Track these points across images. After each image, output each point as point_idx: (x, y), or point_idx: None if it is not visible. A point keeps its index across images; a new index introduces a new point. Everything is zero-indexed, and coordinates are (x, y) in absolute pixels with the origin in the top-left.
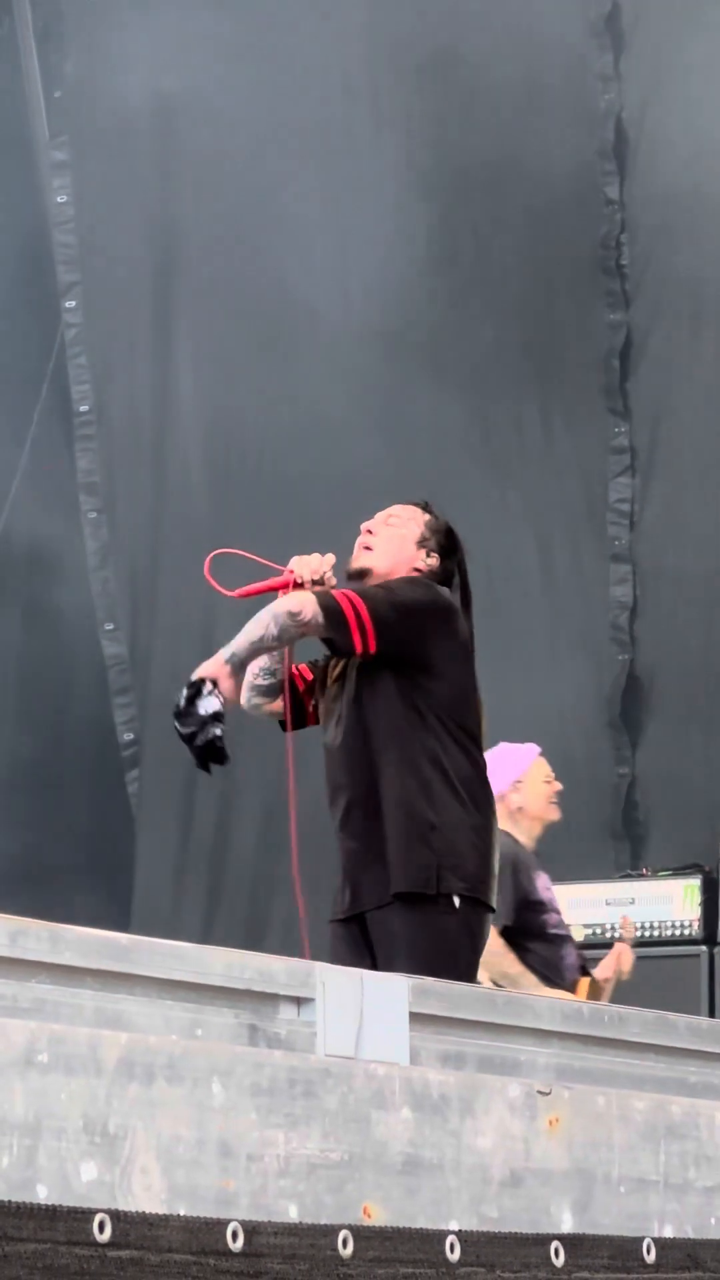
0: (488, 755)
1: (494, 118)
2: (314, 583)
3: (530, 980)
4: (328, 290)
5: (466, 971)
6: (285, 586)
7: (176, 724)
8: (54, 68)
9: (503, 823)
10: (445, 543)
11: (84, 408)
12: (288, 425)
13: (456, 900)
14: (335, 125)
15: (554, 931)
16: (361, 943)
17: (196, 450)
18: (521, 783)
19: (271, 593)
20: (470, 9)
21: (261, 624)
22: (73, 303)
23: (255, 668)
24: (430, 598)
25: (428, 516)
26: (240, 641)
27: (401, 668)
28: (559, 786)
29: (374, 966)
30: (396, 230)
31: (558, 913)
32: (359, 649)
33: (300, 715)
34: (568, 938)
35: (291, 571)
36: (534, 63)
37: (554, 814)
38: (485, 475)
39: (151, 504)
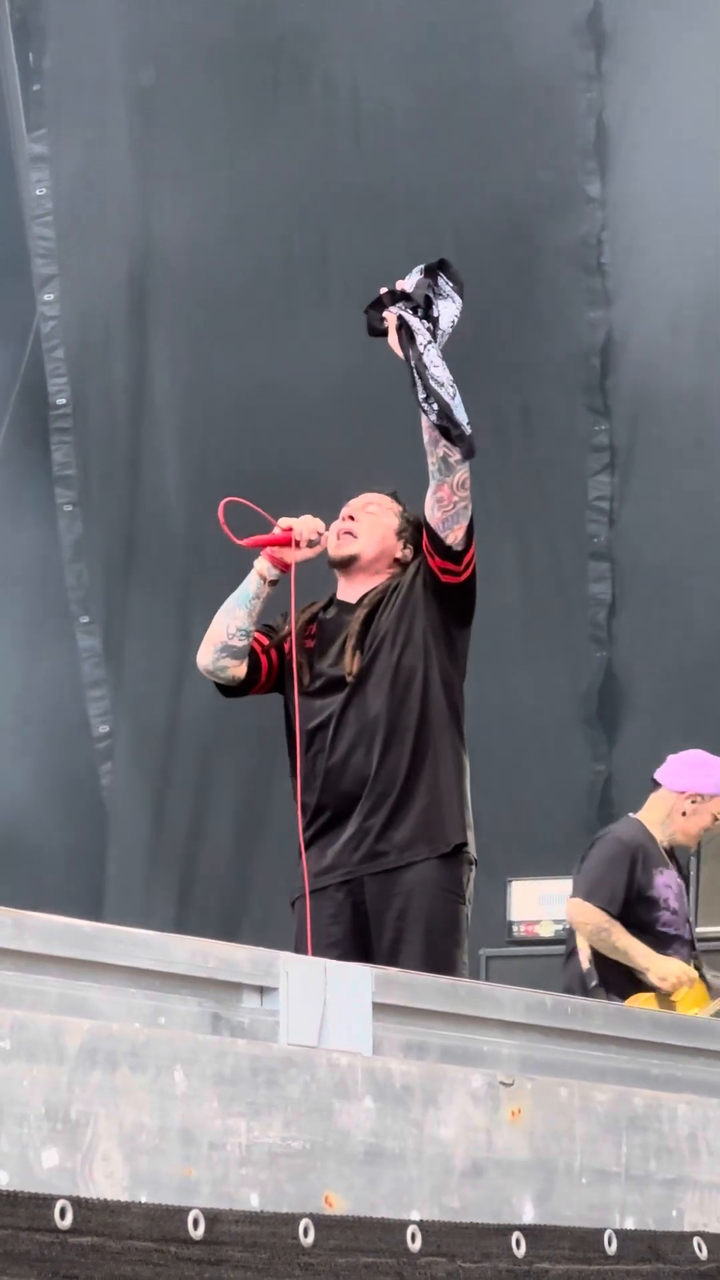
0: (702, 756)
1: (476, 115)
2: (309, 543)
3: (640, 950)
4: (305, 283)
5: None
6: (286, 541)
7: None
8: (32, 61)
9: (657, 814)
10: (415, 536)
11: (60, 401)
12: (263, 420)
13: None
14: (315, 120)
15: (662, 929)
16: (349, 912)
17: (172, 444)
18: (704, 800)
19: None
20: (452, 7)
21: None
22: (50, 296)
23: (232, 627)
24: None
25: (400, 508)
26: None
27: (447, 628)
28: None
29: (369, 930)
30: (376, 224)
31: (674, 913)
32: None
33: (251, 684)
34: (678, 938)
35: (290, 530)
36: (516, 61)
37: (695, 843)
38: None
39: (126, 497)
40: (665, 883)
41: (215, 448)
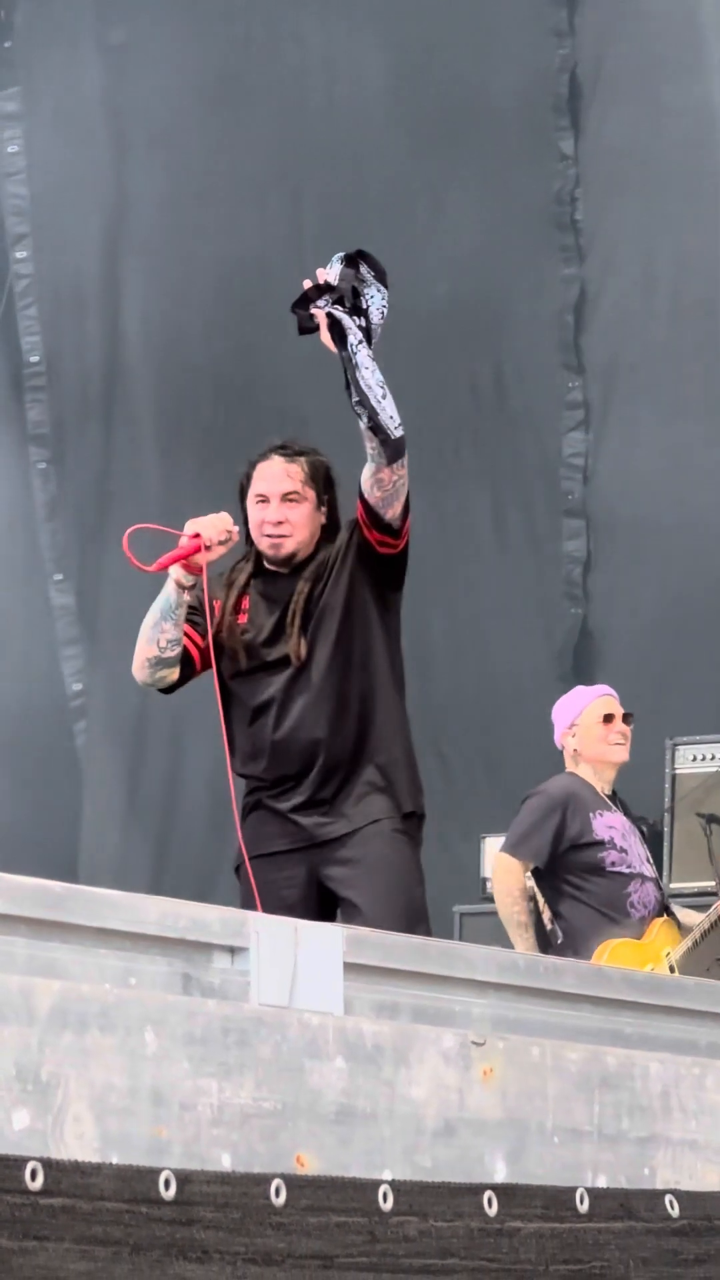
0: (559, 701)
1: (448, 72)
2: (220, 543)
3: (527, 942)
4: (280, 242)
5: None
6: (196, 550)
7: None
8: (3, 18)
9: (577, 766)
10: (328, 483)
11: (34, 359)
12: (237, 380)
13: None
14: (289, 78)
15: (613, 869)
16: (304, 878)
17: (146, 403)
18: (576, 725)
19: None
20: None
21: None
22: (23, 253)
23: (163, 640)
24: None
25: (305, 471)
26: None
27: (383, 595)
28: (624, 727)
29: (323, 893)
30: (350, 181)
31: (623, 851)
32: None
33: (188, 678)
34: (638, 876)
35: (198, 535)
36: (489, 17)
37: (614, 755)
38: (438, 430)
39: (101, 456)
40: (608, 824)
41: (190, 406)
